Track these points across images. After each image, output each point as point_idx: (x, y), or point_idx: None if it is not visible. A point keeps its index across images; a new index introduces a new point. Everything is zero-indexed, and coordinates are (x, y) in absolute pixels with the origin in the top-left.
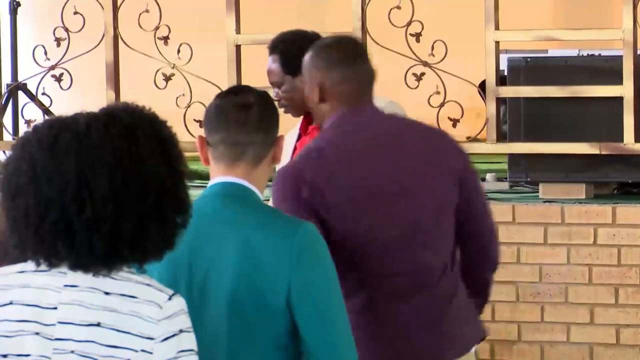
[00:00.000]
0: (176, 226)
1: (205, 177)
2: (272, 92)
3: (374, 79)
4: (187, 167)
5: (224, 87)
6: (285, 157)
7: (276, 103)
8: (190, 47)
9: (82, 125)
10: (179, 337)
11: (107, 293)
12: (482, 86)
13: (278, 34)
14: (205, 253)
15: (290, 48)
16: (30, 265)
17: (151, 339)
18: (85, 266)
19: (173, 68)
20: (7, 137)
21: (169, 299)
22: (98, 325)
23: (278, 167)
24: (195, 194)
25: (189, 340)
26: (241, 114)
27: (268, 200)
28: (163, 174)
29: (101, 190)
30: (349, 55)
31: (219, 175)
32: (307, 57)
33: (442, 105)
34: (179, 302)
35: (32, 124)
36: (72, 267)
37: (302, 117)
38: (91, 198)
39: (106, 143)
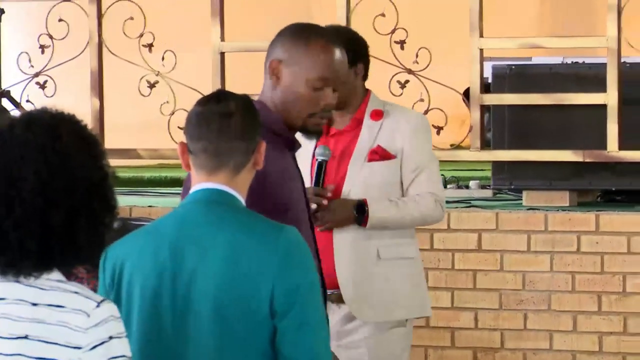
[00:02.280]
0: (105, 226)
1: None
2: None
3: None
4: (111, 167)
5: None
6: (305, 160)
7: None
8: (175, 54)
9: (4, 125)
10: (109, 344)
11: (34, 304)
12: (467, 93)
13: (328, 25)
14: (189, 258)
15: (352, 38)
16: None
17: (79, 348)
18: (17, 267)
19: (157, 75)
20: None
21: (97, 306)
22: (26, 337)
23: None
24: (177, 201)
25: (121, 347)
26: (223, 123)
27: None
28: (89, 169)
29: (28, 185)
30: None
31: (200, 182)
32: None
33: (426, 112)
34: (109, 309)
35: None
36: (3, 271)
37: None
38: (19, 195)
39: (29, 140)
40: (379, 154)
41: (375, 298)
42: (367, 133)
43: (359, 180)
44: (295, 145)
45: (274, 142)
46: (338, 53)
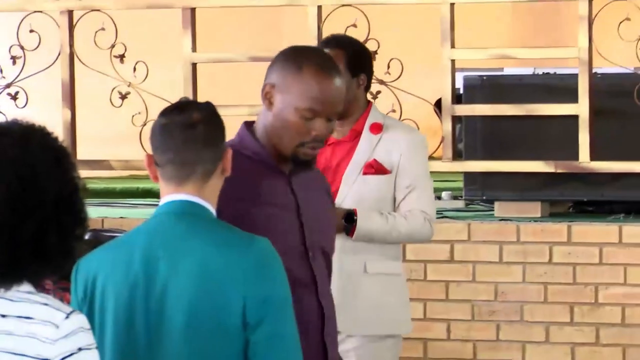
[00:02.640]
0: (75, 238)
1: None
2: None
3: None
4: (82, 180)
5: None
6: None
7: None
8: (146, 65)
9: None
10: (78, 356)
11: (3, 316)
12: (438, 104)
13: (332, 34)
14: (161, 271)
15: (356, 48)
16: None
17: (48, 359)
18: None
19: (129, 86)
20: None
21: (67, 317)
22: None
23: None
24: (149, 212)
25: (90, 358)
26: (187, 133)
27: None
28: (59, 182)
29: None
30: None
31: (169, 194)
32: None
33: None
34: (78, 320)
35: None
36: None
37: None
38: None
39: (0, 152)
40: (375, 168)
41: (359, 312)
42: (365, 145)
43: (352, 192)
44: (291, 169)
45: (240, 167)
46: (333, 81)
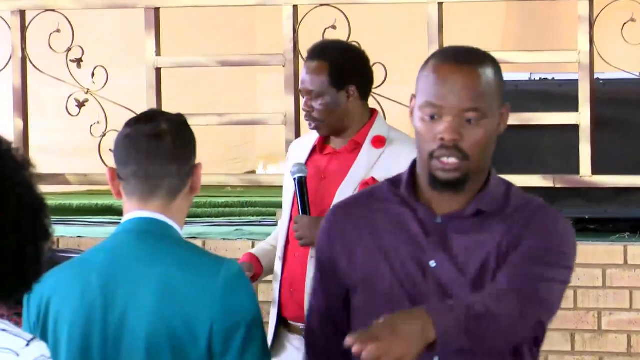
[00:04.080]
0: (44, 254)
1: (120, 212)
2: (301, 102)
3: None
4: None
5: None
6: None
7: (304, 115)
8: (106, 70)
9: None
10: None
11: None
12: None
13: (321, 41)
14: (120, 295)
15: (342, 57)
16: None
17: None
18: None
19: (87, 93)
20: None
21: (27, 344)
22: None
23: None
24: (109, 231)
25: None
26: (152, 145)
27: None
28: (33, 195)
29: None
30: None
31: (132, 211)
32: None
33: None
34: (39, 347)
35: None
36: None
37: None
38: None
39: None
40: None
41: None
42: (365, 160)
43: None
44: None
45: (376, 194)
46: (455, 68)
